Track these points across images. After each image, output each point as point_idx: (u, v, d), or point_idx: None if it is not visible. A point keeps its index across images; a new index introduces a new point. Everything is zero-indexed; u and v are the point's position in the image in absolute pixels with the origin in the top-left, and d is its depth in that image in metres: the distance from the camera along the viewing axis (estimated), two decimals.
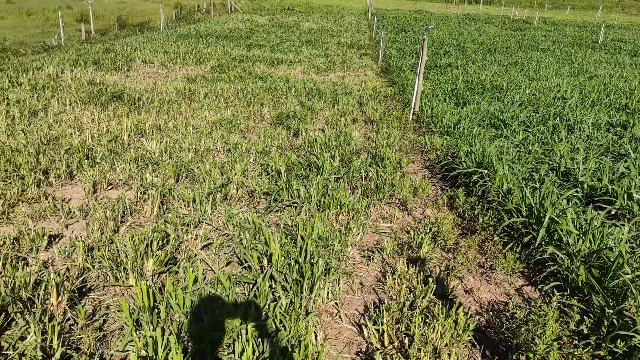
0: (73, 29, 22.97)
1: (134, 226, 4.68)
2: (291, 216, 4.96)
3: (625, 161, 6.25)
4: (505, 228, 4.67)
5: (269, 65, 14.50)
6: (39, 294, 3.26)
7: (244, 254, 4.00)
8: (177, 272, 3.85)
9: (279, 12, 35.82)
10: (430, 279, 3.69)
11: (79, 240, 4.25)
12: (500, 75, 13.17)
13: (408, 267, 4.04)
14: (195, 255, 4.17)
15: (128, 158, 6.27)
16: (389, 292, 3.77)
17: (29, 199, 5.12)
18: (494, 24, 33.79)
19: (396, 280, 3.82)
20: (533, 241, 4.33)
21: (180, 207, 4.99)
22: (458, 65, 14.93)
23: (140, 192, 5.32)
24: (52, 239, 4.38)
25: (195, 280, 3.39)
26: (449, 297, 3.76)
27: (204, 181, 5.67)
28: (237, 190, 5.50)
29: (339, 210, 4.99)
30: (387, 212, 5.31)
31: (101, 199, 5.29)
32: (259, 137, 7.70)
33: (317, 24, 28.04)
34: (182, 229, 4.53)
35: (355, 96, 11.02)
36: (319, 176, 5.79)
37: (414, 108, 9.26)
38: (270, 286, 3.56)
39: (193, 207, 5.00)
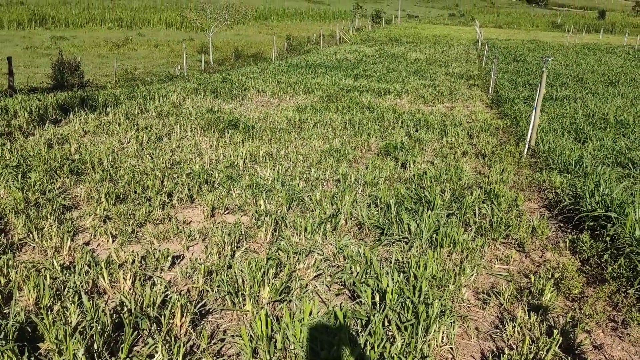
0: (194, 59, 24.76)
1: (249, 252, 4.85)
2: (401, 251, 4.88)
3: None
4: None
5: (376, 96, 14.60)
6: (164, 314, 3.45)
7: (356, 287, 3.98)
8: (290, 301, 3.91)
9: (387, 43, 36.16)
10: (555, 331, 3.43)
11: (199, 263, 4.47)
12: (625, 109, 12.24)
13: (529, 315, 3.78)
14: (307, 285, 4.21)
15: (243, 184, 6.55)
16: (508, 340, 3.56)
17: (154, 219, 5.49)
18: (616, 54, 31.64)
19: (516, 329, 3.59)
20: None
21: (292, 236, 5.10)
22: (577, 98, 14.11)
23: (255, 218, 5.52)
24: (175, 260, 4.65)
25: (310, 313, 3.42)
26: (576, 352, 3.47)
27: (315, 210, 5.76)
28: (347, 222, 5.53)
29: (452, 248, 4.83)
30: (502, 253, 5.05)
31: (218, 222, 5.54)
32: (367, 167, 7.72)
33: (424, 54, 27.93)
34: (294, 257, 4.61)
35: (465, 128, 10.75)
36: (429, 211, 5.66)
37: (530, 142, 8.83)
38: (383, 324, 3.49)
39: (305, 235, 5.08)
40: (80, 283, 4.01)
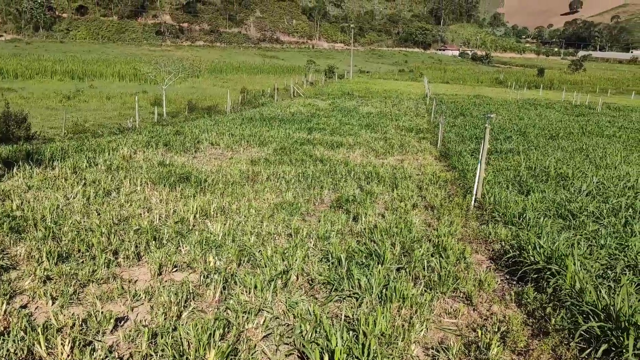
0: (147, 111, 24.61)
1: (196, 311, 4.72)
2: (351, 307, 4.86)
3: None
4: (581, 331, 4.37)
5: (329, 148, 14.83)
6: None
7: (305, 347, 3.92)
8: None
9: (339, 97, 37.06)
10: None
11: (143, 325, 4.31)
12: (564, 162, 12.88)
13: None
14: (255, 346, 4.12)
15: (193, 240, 6.44)
16: None
17: (98, 279, 5.30)
18: (555, 109, 33.51)
19: None
20: (613, 348, 4.01)
21: (242, 294, 5.01)
22: (520, 151, 14.75)
23: (204, 276, 5.41)
24: (118, 322, 4.47)
25: None
26: None
27: (266, 266, 5.70)
28: (298, 278, 5.49)
29: (401, 303, 4.85)
30: (451, 307, 5.12)
31: (166, 281, 5.40)
32: (319, 220, 7.75)
33: (376, 108, 28.75)
34: (243, 317, 4.52)
35: (415, 180, 11.01)
36: (380, 265, 5.70)
37: (476, 195, 9.13)
38: None
39: (254, 293, 5.01)
40: (14, 350, 3.79)
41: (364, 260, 5.92)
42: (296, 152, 13.73)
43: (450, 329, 4.65)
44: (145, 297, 4.99)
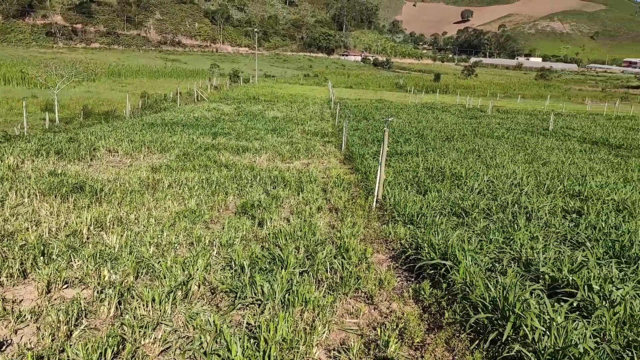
0: (37, 117, 22.94)
1: (88, 330, 4.45)
2: (254, 314, 4.82)
3: (583, 250, 6.42)
4: (472, 323, 4.63)
5: (235, 154, 14.65)
6: None
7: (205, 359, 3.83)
8: None
9: (245, 101, 36.79)
10: None
11: (28, 348, 3.99)
12: (459, 163, 13.64)
13: None
14: None
15: (86, 254, 6.07)
16: None
17: None
18: (450, 112, 35.49)
19: None
20: (500, 337, 4.29)
21: (139, 307, 4.80)
22: (418, 153, 15.42)
23: (97, 292, 5.11)
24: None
25: None
26: None
27: (165, 278, 5.51)
28: (199, 287, 5.36)
29: (304, 307, 4.88)
30: (353, 307, 5.22)
31: (55, 299, 5.05)
32: (223, 227, 7.61)
33: (281, 113, 28.85)
34: (139, 331, 4.32)
35: (320, 184, 11.15)
36: (283, 270, 5.70)
37: (377, 196, 9.41)
38: None
39: (152, 306, 4.81)
40: None
41: (267, 266, 5.89)
42: (200, 158, 13.43)
43: (351, 329, 4.75)
44: (32, 317, 4.63)
